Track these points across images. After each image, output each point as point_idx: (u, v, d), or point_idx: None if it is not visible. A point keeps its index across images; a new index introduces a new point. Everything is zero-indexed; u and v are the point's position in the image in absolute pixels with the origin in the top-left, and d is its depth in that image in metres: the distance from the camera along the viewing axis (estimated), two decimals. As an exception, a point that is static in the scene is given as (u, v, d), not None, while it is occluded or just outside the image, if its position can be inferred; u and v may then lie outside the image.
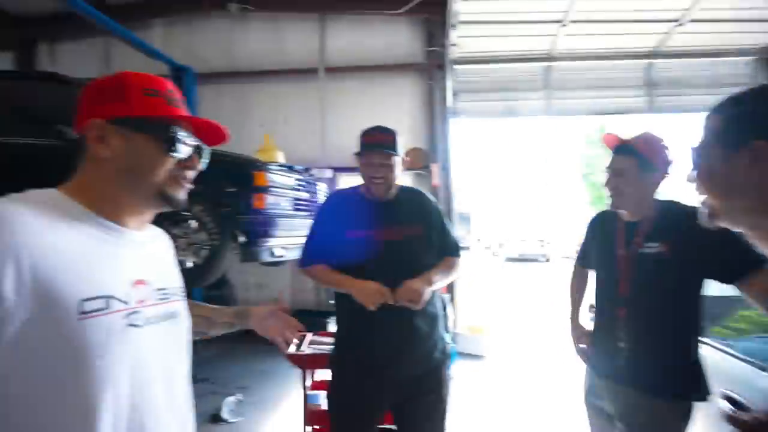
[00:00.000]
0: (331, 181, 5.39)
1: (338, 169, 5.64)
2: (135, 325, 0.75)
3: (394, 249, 1.60)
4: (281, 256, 3.49)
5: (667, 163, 1.47)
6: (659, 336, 1.39)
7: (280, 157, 4.54)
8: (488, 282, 10.13)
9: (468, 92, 5.57)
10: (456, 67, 5.47)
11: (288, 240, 3.45)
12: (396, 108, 5.63)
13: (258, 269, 5.67)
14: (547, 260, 16.60)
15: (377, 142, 1.63)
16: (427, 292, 1.54)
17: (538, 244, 16.82)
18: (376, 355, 1.60)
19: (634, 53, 5.22)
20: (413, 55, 5.64)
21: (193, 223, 3.13)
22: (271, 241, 3.30)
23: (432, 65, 5.49)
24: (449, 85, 5.40)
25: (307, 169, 4.01)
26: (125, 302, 0.75)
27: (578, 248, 1.88)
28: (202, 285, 3.18)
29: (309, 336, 2.76)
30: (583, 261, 1.82)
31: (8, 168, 3.29)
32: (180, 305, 0.90)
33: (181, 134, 0.82)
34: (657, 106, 5.32)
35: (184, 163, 0.84)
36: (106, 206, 0.78)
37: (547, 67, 5.43)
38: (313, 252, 1.72)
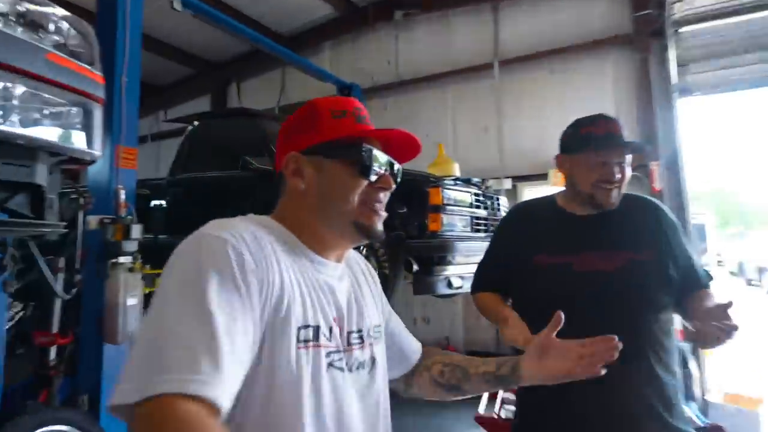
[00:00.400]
0: (511, 194, 4.99)
1: (519, 179, 5.22)
2: (335, 367, 0.76)
3: (604, 284, 1.26)
4: (459, 287, 3.25)
5: None
6: None
7: (456, 170, 4.35)
8: (749, 328, 7.95)
9: (703, 60, 4.47)
10: (682, 30, 4.46)
11: (465, 268, 3.20)
12: (594, 96, 4.88)
13: (425, 301, 5.58)
14: None
15: (612, 134, 1.32)
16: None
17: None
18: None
19: None
20: (615, 26, 4.82)
21: (362, 250, 3.14)
22: (449, 270, 3.09)
23: (643, 34, 4.60)
24: (672, 54, 4.42)
25: (483, 181, 3.73)
26: (329, 339, 0.76)
27: None
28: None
29: (500, 393, 2.42)
30: None
31: (202, 199, 3.91)
32: (378, 350, 0.87)
33: (370, 151, 0.81)
34: None
35: (377, 184, 0.82)
36: (310, 238, 0.81)
37: None
38: (487, 276, 1.49)
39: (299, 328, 0.71)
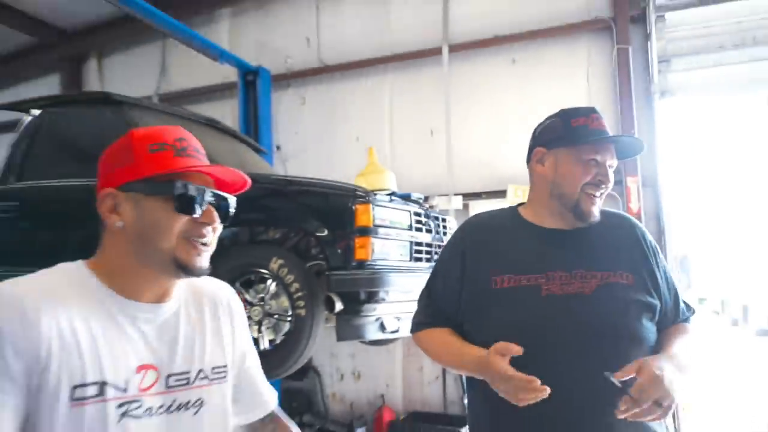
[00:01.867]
0: (461, 214, 5.22)
1: (472, 196, 5.48)
2: (132, 416, 1.00)
3: (579, 309, 1.39)
4: (395, 331, 3.38)
5: None
6: None
7: (391, 182, 4.54)
8: (731, 372, 8.79)
9: (688, 55, 5.02)
10: (667, 16, 4.98)
11: (403, 306, 3.35)
12: (564, 93, 5.28)
13: (356, 350, 5.69)
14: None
15: (606, 131, 1.51)
16: (681, 389, 1.26)
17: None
18: None
19: None
20: (592, 8, 5.28)
21: (271, 285, 3.20)
22: (380, 308, 3.22)
23: (624, 19, 5.09)
24: (655, 45, 4.93)
25: (426, 199, 3.92)
26: (123, 389, 1.00)
27: None
28: (285, 374, 3.19)
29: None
30: None
31: (45, 217, 3.79)
32: (210, 391, 1.13)
33: (184, 186, 1.03)
34: None
35: (200, 219, 1.06)
36: (124, 281, 1.06)
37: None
38: (430, 310, 1.59)
39: (74, 388, 0.95)
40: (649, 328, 1.43)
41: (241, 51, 6.30)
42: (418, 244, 3.46)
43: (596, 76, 5.28)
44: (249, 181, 1.17)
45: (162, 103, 5.99)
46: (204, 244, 1.09)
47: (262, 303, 3.18)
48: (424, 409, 5.49)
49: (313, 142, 6.21)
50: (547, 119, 1.58)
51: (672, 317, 1.51)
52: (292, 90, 6.39)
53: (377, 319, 3.19)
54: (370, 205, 3.12)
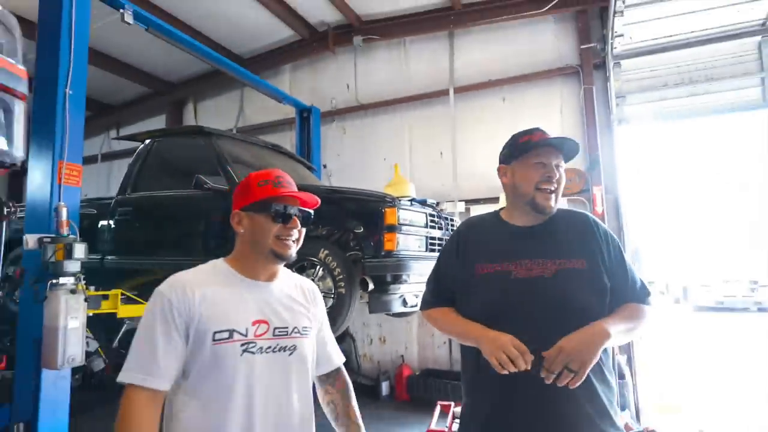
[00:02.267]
0: (464, 216, 5.14)
1: (472, 201, 5.40)
2: (250, 352, 1.20)
3: (541, 290, 1.32)
4: (414, 305, 3.29)
5: None
6: None
7: (412, 191, 4.45)
8: (675, 341, 8.45)
9: (639, 92, 4.84)
10: (622, 62, 4.82)
11: (420, 287, 3.25)
12: (543, 123, 5.08)
13: (382, 321, 5.61)
14: (763, 310, 13.41)
15: (549, 139, 1.42)
16: (597, 354, 1.19)
17: (746, 286, 13.75)
18: None
19: None
20: (563, 58, 5.17)
21: (319, 270, 3.14)
22: (403, 288, 3.13)
23: (588, 66, 4.94)
24: (613, 86, 4.77)
25: (438, 204, 3.84)
26: (244, 334, 1.20)
27: None
28: (331, 338, 3.13)
29: (452, 407, 2.44)
30: None
31: (153, 220, 3.81)
32: (301, 341, 1.30)
33: (277, 206, 1.27)
34: None
35: (288, 225, 1.28)
36: (245, 268, 1.30)
37: (763, 42, 4.40)
38: (436, 291, 1.53)
39: (215, 333, 1.18)
40: (600, 303, 1.32)
41: (299, 95, 6.30)
42: (432, 238, 3.36)
43: (568, 110, 5.14)
44: (319, 200, 1.36)
45: (239, 133, 6.01)
46: (293, 241, 1.29)
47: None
48: (435, 366, 5.39)
49: (351, 162, 6.16)
50: (505, 143, 1.52)
51: (626, 296, 1.38)
52: (336, 123, 6.35)
53: (401, 296, 3.10)
54: (396, 208, 3.04)
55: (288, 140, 6.38)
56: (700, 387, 5.46)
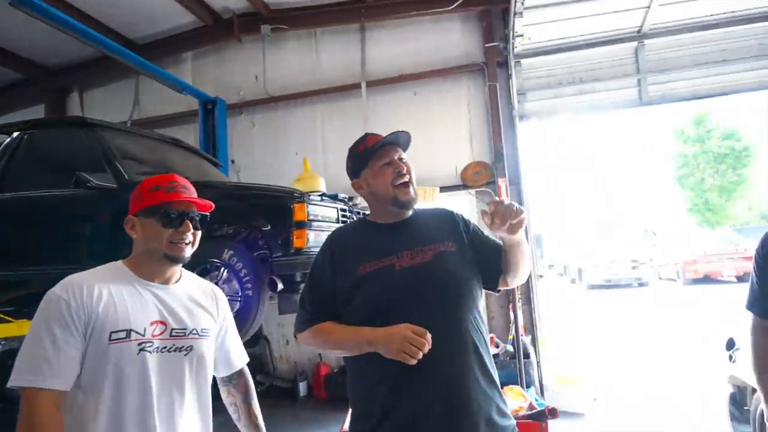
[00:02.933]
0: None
1: (386, 196, 5.37)
2: (146, 351, 1.24)
3: (425, 273, 1.38)
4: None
5: None
6: None
7: (322, 186, 4.32)
8: (571, 317, 9.24)
9: (537, 89, 5.14)
10: (522, 61, 5.08)
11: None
12: (452, 118, 5.31)
13: (300, 320, 5.44)
14: (642, 285, 15.18)
15: (383, 139, 1.46)
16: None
17: (628, 266, 15.46)
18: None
19: (754, 15, 4.54)
20: (470, 55, 5.32)
21: (223, 272, 2.92)
22: (315, 287, 3.02)
23: (492, 63, 5.14)
24: (514, 83, 5.01)
25: (350, 198, 3.76)
26: (141, 334, 1.25)
27: (751, 289, 1.50)
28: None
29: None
30: (765, 306, 1.47)
31: (25, 223, 3.30)
32: (198, 343, 1.34)
33: (169, 211, 1.33)
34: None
35: (180, 229, 1.33)
36: (142, 270, 1.34)
37: (639, 47, 4.88)
38: (313, 309, 1.44)
39: (111, 332, 1.21)
40: (476, 276, 1.45)
41: (202, 85, 5.87)
42: (344, 234, 3.27)
43: (474, 106, 5.32)
44: (212, 205, 1.41)
45: (134, 127, 5.46)
46: (185, 244, 1.34)
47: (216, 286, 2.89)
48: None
49: (261, 156, 5.87)
50: (346, 161, 1.55)
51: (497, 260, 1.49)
52: (244, 116, 6.01)
53: (312, 295, 2.99)
54: (305, 204, 2.91)
55: (192, 134, 5.91)
56: (596, 358, 5.99)
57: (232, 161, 5.87)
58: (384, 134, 1.47)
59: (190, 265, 2.98)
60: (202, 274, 2.95)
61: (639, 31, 4.78)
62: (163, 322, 1.28)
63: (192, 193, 1.37)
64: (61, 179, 3.08)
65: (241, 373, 1.53)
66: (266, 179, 4.61)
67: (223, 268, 2.91)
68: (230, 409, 1.52)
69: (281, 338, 5.61)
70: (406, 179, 1.45)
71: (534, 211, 5.21)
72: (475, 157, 5.17)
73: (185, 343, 1.30)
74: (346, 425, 2.17)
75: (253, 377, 5.31)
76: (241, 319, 2.75)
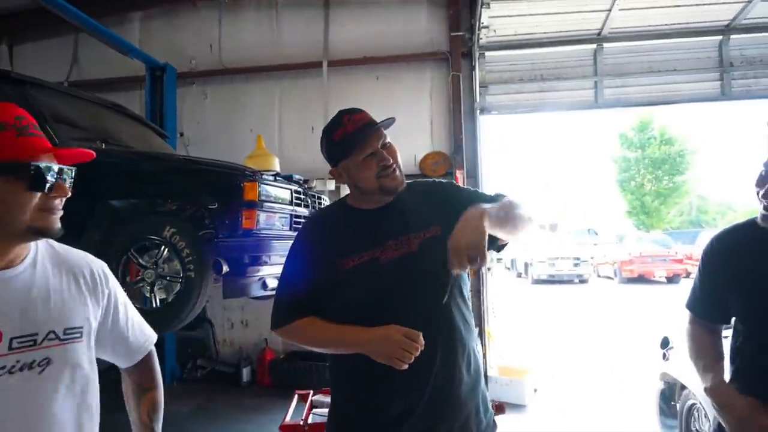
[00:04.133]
0: (334, 194, 4.98)
1: (344, 180, 5.25)
2: None
3: (410, 265, 1.27)
4: (274, 288, 3.06)
5: None
6: None
7: (276, 165, 4.14)
8: (517, 311, 9.56)
9: (499, 83, 5.15)
10: (487, 54, 5.07)
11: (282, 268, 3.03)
12: (414, 106, 5.23)
13: (244, 303, 5.25)
14: (583, 281, 15.99)
15: (363, 125, 1.28)
16: (485, 231, 1.14)
17: (571, 262, 16.22)
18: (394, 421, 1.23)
19: (706, 29, 4.77)
20: (435, 43, 5.25)
21: (164, 251, 2.72)
22: (263, 270, 2.87)
23: (457, 53, 5.10)
24: (477, 75, 5.00)
25: (306, 181, 3.62)
26: None
27: (693, 289, 1.52)
28: (175, 328, 2.76)
29: (311, 396, 2.30)
30: (705, 307, 1.49)
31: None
32: (59, 350, 0.92)
33: (38, 168, 0.87)
34: (731, 91, 4.83)
35: (52, 194, 0.90)
36: None
37: (598, 50, 4.99)
38: (293, 301, 1.31)
39: None
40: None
41: (151, 50, 5.43)
42: (298, 216, 3.14)
43: (437, 95, 5.28)
44: (92, 154, 0.96)
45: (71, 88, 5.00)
46: (59, 211, 0.93)
47: (155, 266, 2.69)
48: (300, 348, 5.15)
49: (213, 131, 5.55)
50: (321, 143, 1.36)
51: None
52: (196, 87, 5.65)
53: (260, 279, 2.85)
54: (257, 183, 2.75)
55: (137, 102, 5.50)
56: (539, 350, 6.20)
57: (181, 134, 5.53)
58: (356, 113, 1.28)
59: (125, 243, 2.78)
60: (141, 252, 2.75)
61: (599, 34, 4.90)
62: None
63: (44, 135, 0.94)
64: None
65: (142, 362, 1.19)
66: (217, 155, 4.32)
67: (163, 246, 2.71)
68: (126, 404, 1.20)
69: (226, 322, 5.40)
70: (392, 168, 1.29)
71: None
72: (435, 147, 5.15)
73: (38, 355, 0.89)
74: (288, 417, 2.08)
75: (194, 362, 5.06)
76: (182, 303, 2.58)
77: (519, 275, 17.99)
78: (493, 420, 1.36)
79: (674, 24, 4.77)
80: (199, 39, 5.64)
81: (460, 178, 4.73)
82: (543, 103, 5.16)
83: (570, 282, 15.76)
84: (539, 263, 16.08)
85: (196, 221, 2.85)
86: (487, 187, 5.10)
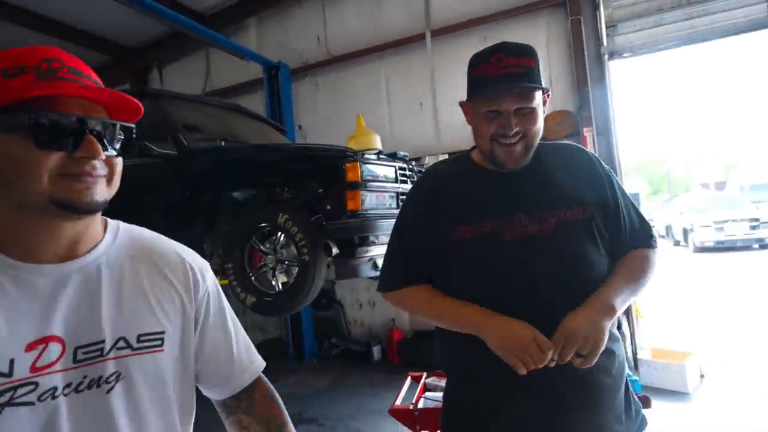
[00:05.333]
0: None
1: (457, 153, 5.00)
2: (23, 403, 0.62)
3: (541, 251, 1.05)
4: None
5: None
6: None
7: (378, 143, 4.08)
8: (676, 284, 8.26)
9: (633, 19, 4.36)
10: (611, -12, 4.34)
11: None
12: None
13: (369, 285, 5.38)
14: (764, 246, 13.21)
15: (509, 74, 1.04)
16: (606, 333, 0.98)
17: (747, 224, 13.49)
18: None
19: None
20: (545, -13, 4.67)
21: (281, 237, 2.85)
22: (372, 251, 2.85)
23: (576, -6, 4.45)
24: (603, 14, 4.30)
25: (419, 159, 3.49)
26: (6, 374, 0.62)
27: None
28: (297, 309, 2.88)
29: (424, 378, 2.19)
30: None
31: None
32: (134, 361, 0.72)
33: (46, 114, 0.64)
34: None
35: (77, 153, 0.66)
36: (10, 239, 0.68)
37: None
38: (402, 266, 1.17)
39: None
40: (604, 260, 1.10)
41: (266, 51, 5.84)
42: (404, 194, 3.04)
43: (554, 46, 4.69)
44: (139, 104, 0.73)
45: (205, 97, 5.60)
46: (96, 176, 0.68)
47: (274, 252, 2.83)
48: (426, 328, 5.13)
49: (326, 119, 5.74)
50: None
51: (629, 242, 1.13)
52: (308, 79, 5.89)
53: (370, 260, 2.83)
54: (358, 163, 2.71)
55: (260, 102, 5.95)
56: (703, 330, 5.26)
57: (299, 126, 5.83)
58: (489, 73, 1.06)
59: (245, 233, 2.98)
60: (262, 239, 2.91)
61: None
62: (56, 338, 0.66)
63: (92, 80, 0.71)
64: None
65: (253, 387, 0.92)
66: (332, 141, 4.48)
67: (280, 233, 2.83)
68: None
69: (354, 303, 5.61)
70: (513, 140, 1.08)
71: (628, 166, 4.55)
72: (558, 106, 4.60)
73: (106, 369, 0.70)
74: (399, 400, 2.01)
75: (330, 339, 5.30)
76: (300, 283, 2.67)
77: (677, 243, 15.64)
78: (642, 418, 1.12)
79: None
80: (306, 33, 5.84)
81: (589, 138, 4.14)
82: (694, 32, 4.23)
83: (747, 248, 13.20)
84: (703, 228, 13.75)
85: (308, 207, 2.94)
86: (621, 147, 4.41)
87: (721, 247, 13.28)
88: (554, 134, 4.52)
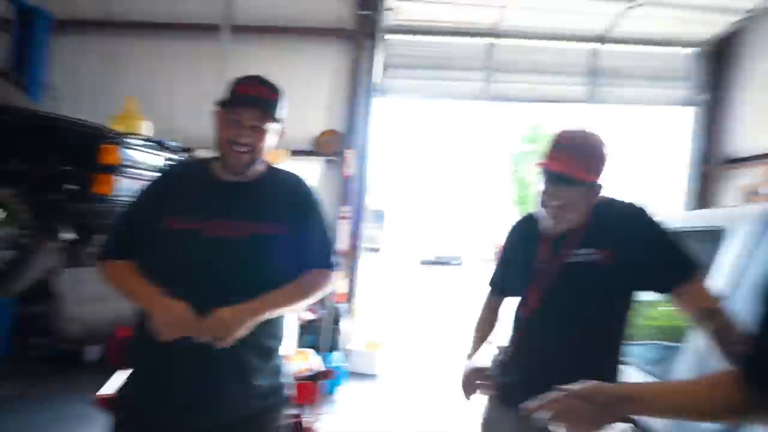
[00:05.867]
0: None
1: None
2: None
3: (230, 252, 1.24)
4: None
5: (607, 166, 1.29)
6: (578, 359, 1.21)
7: (144, 129, 3.79)
8: (398, 289, 10.03)
9: (399, 67, 5.18)
10: (388, 36, 5.06)
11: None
12: (313, 81, 5.10)
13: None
14: (460, 264, 16.75)
15: (254, 96, 1.28)
16: (244, 327, 1.19)
17: (455, 246, 17.06)
18: (173, 395, 1.22)
19: (582, 36, 5.12)
20: (340, 20, 5.11)
21: (1, 212, 2.39)
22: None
23: (361, 33, 5.02)
24: (379, 57, 4.98)
25: (187, 149, 3.38)
26: None
27: (494, 267, 1.60)
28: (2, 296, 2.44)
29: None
30: (498, 284, 1.56)
31: None
32: None
33: None
34: (598, 96, 5.28)
35: None
36: None
37: (490, 45, 5.18)
38: (121, 240, 1.31)
39: None
40: (283, 276, 1.28)
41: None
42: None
43: (339, 73, 5.17)
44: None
45: None
46: None
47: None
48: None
49: (90, 89, 4.95)
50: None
51: (308, 262, 1.34)
52: (76, 37, 4.99)
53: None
54: (117, 146, 2.52)
55: (3, 45, 4.71)
56: (408, 327, 6.62)
57: (52, 88, 4.85)
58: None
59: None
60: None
61: (493, 29, 5.07)
62: None
63: None
64: None
65: None
66: (92, 116, 3.90)
67: (1, 208, 2.38)
68: None
69: (77, 298, 4.78)
70: (239, 150, 1.25)
71: (378, 187, 5.37)
72: (331, 125, 5.07)
73: None
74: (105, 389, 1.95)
75: (32, 339, 4.20)
76: (13, 271, 2.30)
77: (406, 256, 18.50)
78: (283, 391, 1.35)
79: (559, 29, 5.04)
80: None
81: (350, 158, 4.72)
82: (437, 91, 5.30)
83: (454, 265, 16.72)
84: (426, 245, 16.90)
85: (46, 183, 2.54)
86: (375, 169, 5.14)
87: (439, 262, 16.48)
88: (323, 150, 4.97)
